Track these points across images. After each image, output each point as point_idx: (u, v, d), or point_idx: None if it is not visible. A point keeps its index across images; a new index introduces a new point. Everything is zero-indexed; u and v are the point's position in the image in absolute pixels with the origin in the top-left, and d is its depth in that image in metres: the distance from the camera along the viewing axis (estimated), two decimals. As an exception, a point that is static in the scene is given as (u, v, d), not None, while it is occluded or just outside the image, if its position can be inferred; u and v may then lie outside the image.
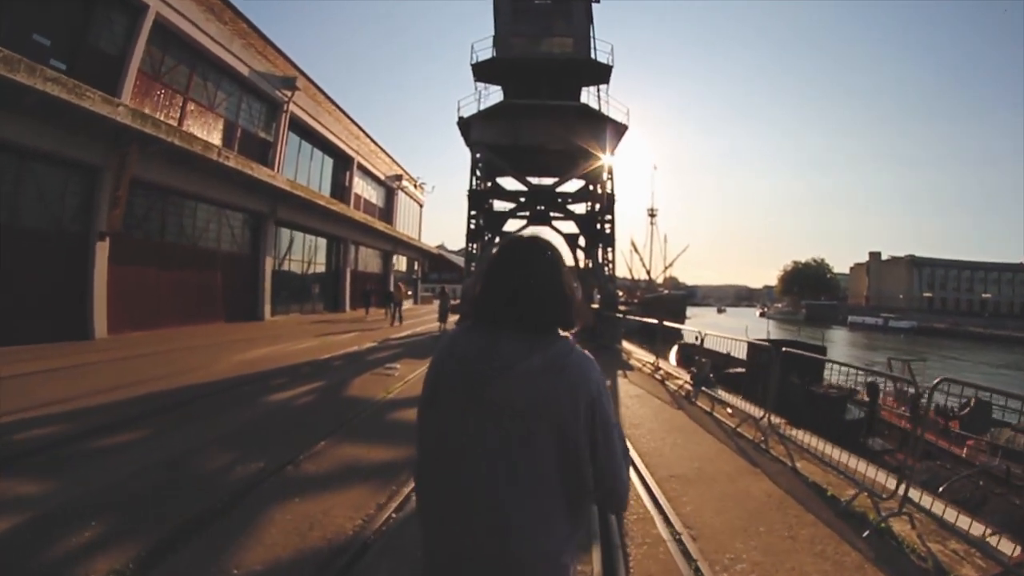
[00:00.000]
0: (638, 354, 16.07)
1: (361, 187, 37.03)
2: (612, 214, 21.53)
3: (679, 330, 18.77)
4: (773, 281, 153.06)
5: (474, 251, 21.64)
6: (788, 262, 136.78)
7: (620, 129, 21.68)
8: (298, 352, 13.74)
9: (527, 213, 24.11)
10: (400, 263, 46.29)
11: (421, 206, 51.19)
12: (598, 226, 21.85)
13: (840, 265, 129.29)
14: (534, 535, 1.47)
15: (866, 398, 13.11)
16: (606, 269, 21.02)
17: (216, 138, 20.63)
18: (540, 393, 1.48)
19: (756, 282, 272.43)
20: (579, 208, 23.83)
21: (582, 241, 25.08)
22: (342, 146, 32.54)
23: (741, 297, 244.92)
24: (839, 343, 56.98)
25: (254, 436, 6.54)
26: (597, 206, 22.58)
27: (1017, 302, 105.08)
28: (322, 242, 31.86)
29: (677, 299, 61.26)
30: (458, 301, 19.72)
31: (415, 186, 48.20)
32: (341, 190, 33.77)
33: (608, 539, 4.09)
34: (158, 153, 15.76)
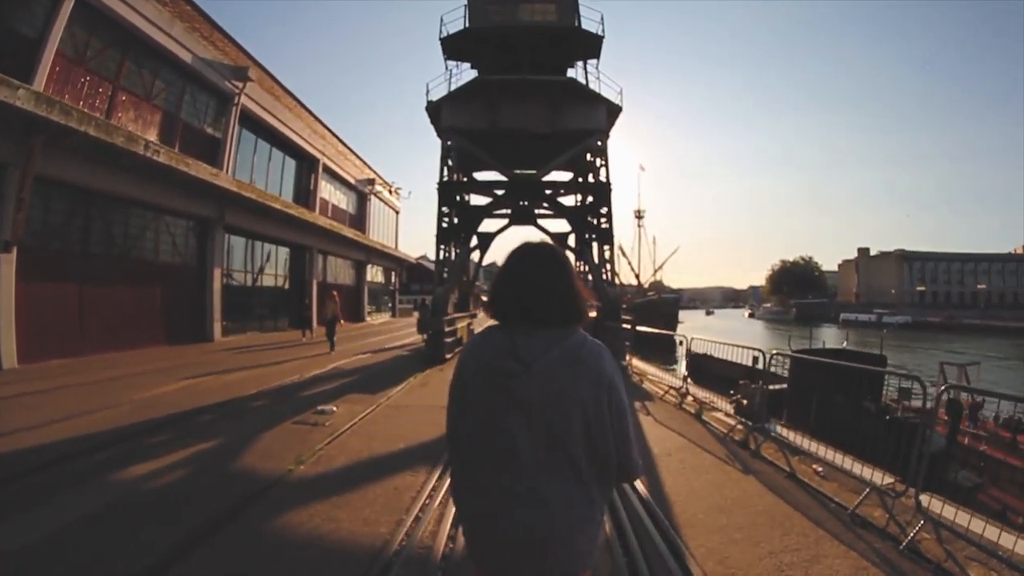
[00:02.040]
0: (652, 374, 13.16)
1: (328, 191, 34.19)
2: (609, 205, 18.41)
3: (684, 339, 15.92)
4: (758, 282, 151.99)
5: (446, 254, 18.56)
6: (776, 261, 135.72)
7: (614, 110, 18.71)
8: (219, 386, 10.80)
9: (508, 210, 21.04)
10: (375, 274, 43.11)
11: (397, 213, 48.23)
12: (592, 220, 18.76)
13: (827, 263, 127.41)
14: (569, 513, 1.69)
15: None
16: (605, 271, 17.96)
17: (153, 133, 17.91)
18: (562, 385, 1.69)
19: (741, 283, 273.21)
20: (569, 201, 20.77)
21: (572, 241, 22.13)
22: (305, 146, 29.75)
23: (727, 299, 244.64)
24: (835, 342, 54.62)
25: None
26: (590, 198, 19.58)
27: (1009, 292, 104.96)
28: (284, 251, 28.85)
29: (669, 303, 58.38)
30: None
31: (390, 191, 45.20)
32: (306, 194, 30.96)
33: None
34: (76, 148, 13.63)
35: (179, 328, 19.19)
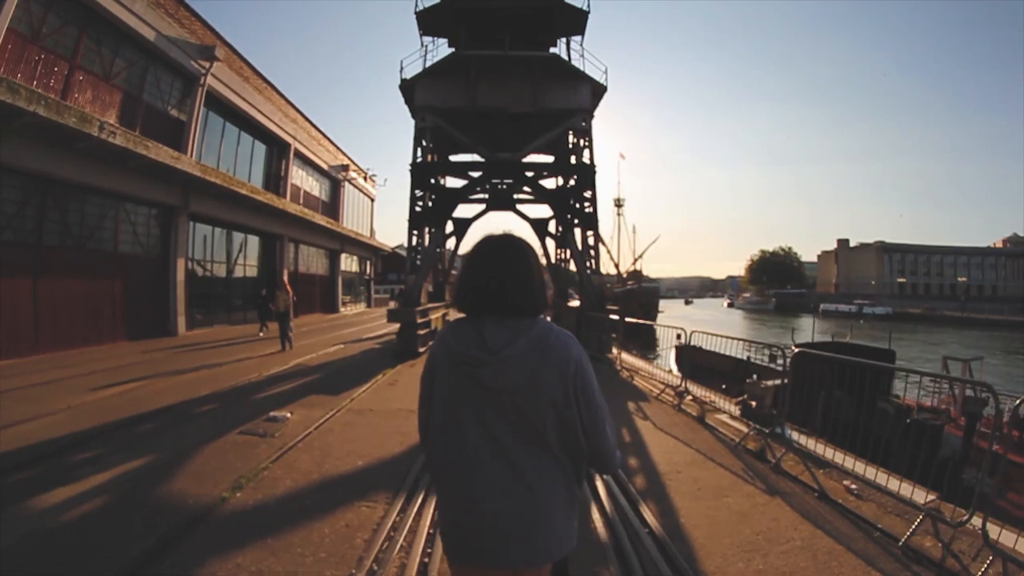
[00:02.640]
0: (642, 369, 12.19)
1: (300, 178, 32.87)
2: (593, 189, 17.15)
3: (683, 332, 15.02)
4: (736, 271, 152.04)
5: (419, 240, 17.29)
6: (755, 251, 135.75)
7: (598, 90, 17.54)
8: (169, 388, 9.65)
9: (485, 195, 19.89)
10: (350, 263, 41.78)
11: (372, 200, 46.81)
12: (575, 204, 17.64)
13: (805, 255, 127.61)
14: (548, 499, 1.73)
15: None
16: (588, 258, 16.82)
17: (112, 115, 16.63)
18: (530, 373, 1.71)
19: (718, 273, 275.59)
20: (551, 185, 19.58)
21: (553, 227, 21.04)
22: (276, 130, 28.36)
23: (705, 288, 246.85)
24: (817, 333, 54.28)
25: None
26: (573, 180, 18.34)
27: (988, 285, 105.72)
28: (254, 240, 27.44)
29: (649, 292, 57.44)
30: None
31: (365, 178, 43.76)
32: (276, 180, 29.63)
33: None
34: (26, 130, 12.59)
35: (141, 323, 17.99)
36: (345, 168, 38.81)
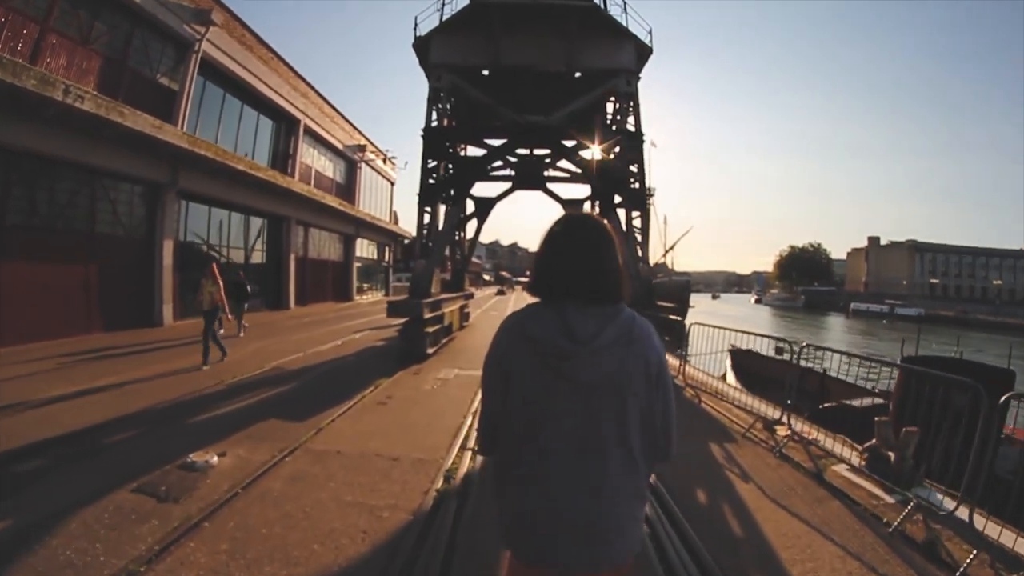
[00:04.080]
0: (707, 385, 9.57)
1: (312, 157, 30.72)
2: (640, 161, 14.35)
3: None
4: (761, 267, 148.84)
5: (432, 218, 14.71)
6: (784, 247, 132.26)
7: (643, 51, 14.91)
8: (98, 402, 7.43)
9: (510, 171, 17.30)
10: (367, 249, 39.58)
11: (392, 184, 44.42)
12: (619, 180, 14.75)
13: (831, 251, 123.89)
14: (624, 500, 1.67)
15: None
16: (636, 244, 14.20)
17: (90, 82, 14.68)
18: (616, 366, 1.62)
19: (744, 268, 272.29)
20: (589, 155, 16.11)
21: (588, 209, 18.41)
22: (283, 104, 26.14)
23: (731, 283, 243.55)
24: (852, 334, 52.05)
25: None
26: (615, 151, 15.45)
27: (1020, 289, 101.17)
28: (257, 222, 25.29)
29: (682, 286, 54.47)
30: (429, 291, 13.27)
31: (384, 160, 41.41)
32: (284, 158, 27.43)
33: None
34: None
35: (120, 312, 15.96)
36: (362, 148, 36.55)
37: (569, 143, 14.94)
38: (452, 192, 14.58)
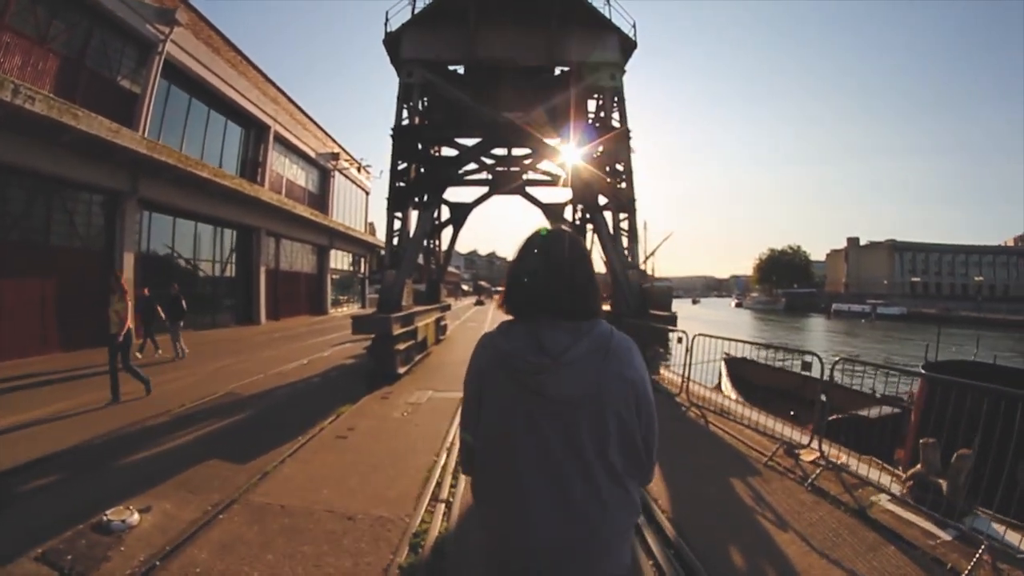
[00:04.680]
0: (712, 403, 8.59)
1: (283, 165, 29.55)
2: (627, 160, 13.23)
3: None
4: (739, 271, 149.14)
5: (401, 226, 13.40)
6: (763, 250, 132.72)
7: (628, 45, 13.95)
8: (37, 435, 6.47)
9: (486, 175, 16.26)
10: (342, 261, 38.39)
11: (367, 193, 43.21)
12: (605, 179, 13.77)
13: (812, 253, 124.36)
14: (609, 519, 1.58)
15: None
16: (625, 248, 13.13)
17: (46, 83, 13.87)
18: (591, 381, 1.56)
19: (722, 273, 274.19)
20: (571, 154, 14.84)
21: (571, 214, 17.36)
22: (253, 110, 25.03)
23: (710, 288, 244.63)
24: (835, 335, 51.68)
25: None
26: (599, 150, 14.20)
27: (1000, 285, 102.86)
28: (227, 234, 24.14)
29: (663, 292, 53.74)
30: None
31: (358, 168, 40.18)
32: (253, 167, 26.26)
33: None
34: None
35: (79, 329, 14.81)
36: (335, 156, 35.36)
37: (550, 141, 13.89)
38: (425, 196, 13.28)
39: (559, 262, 1.66)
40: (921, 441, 5.10)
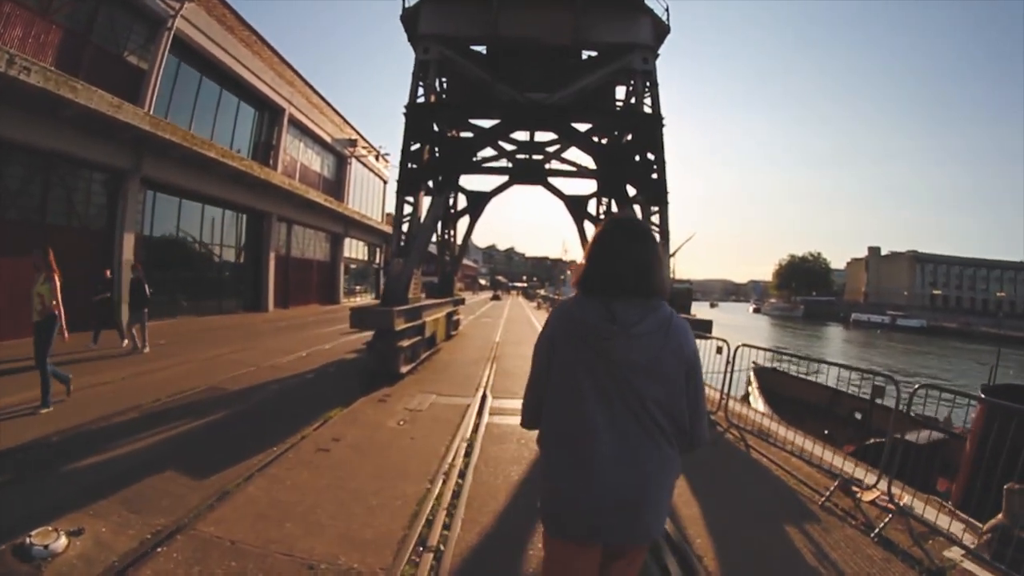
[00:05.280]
0: (750, 421, 7.53)
1: (297, 149, 28.95)
2: (660, 149, 11.98)
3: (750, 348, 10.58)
4: (758, 276, 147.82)
5: (412, 209, 12.26)
6: (784, 256, 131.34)
7: (661, 29, 12.87)
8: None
9: (506, 162, 15.43)
10: (356, 250, 37.65)
11: (385, 182, 42.50)
12: (636, 169, 12.53)
13: (832, 261, 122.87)
14: (657, 476, 1.80)
15: None
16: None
17: (48, 57, 13.45)
18: (653, 353, 1.79)
19: (740, 277, 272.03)
20: (599, 143, 14.25)
21: (595, 207, 16.37)
22: (267, 91, 24.38)
23: (728, 292, 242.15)
24: (852, 346, 51.20)
25: None
26: (630, 137, 13.11)
27: (1020, 301, 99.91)
28: (233, 217, 23.50)
29: (683, 293, 52.72)
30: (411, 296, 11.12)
31: (377, 156, 39.44)
32: (266, 150, 25.63)
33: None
34: None
35: (73, 313, 13.95)
36: (352, 143, 34.67)
37: (577, 126, 12.85)
38: (440, 179, 12.39)
39: (633, 248, 1.87)
40: (1006, 487, 4.20)
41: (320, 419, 6.68)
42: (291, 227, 27.87)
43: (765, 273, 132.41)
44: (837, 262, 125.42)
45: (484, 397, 8.35)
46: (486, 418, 7.16)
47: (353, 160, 35.38)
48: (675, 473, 1.86)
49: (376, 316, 9.47)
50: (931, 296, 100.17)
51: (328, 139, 31.88)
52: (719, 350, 7.63)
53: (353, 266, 36.39)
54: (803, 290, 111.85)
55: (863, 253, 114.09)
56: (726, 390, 7.55)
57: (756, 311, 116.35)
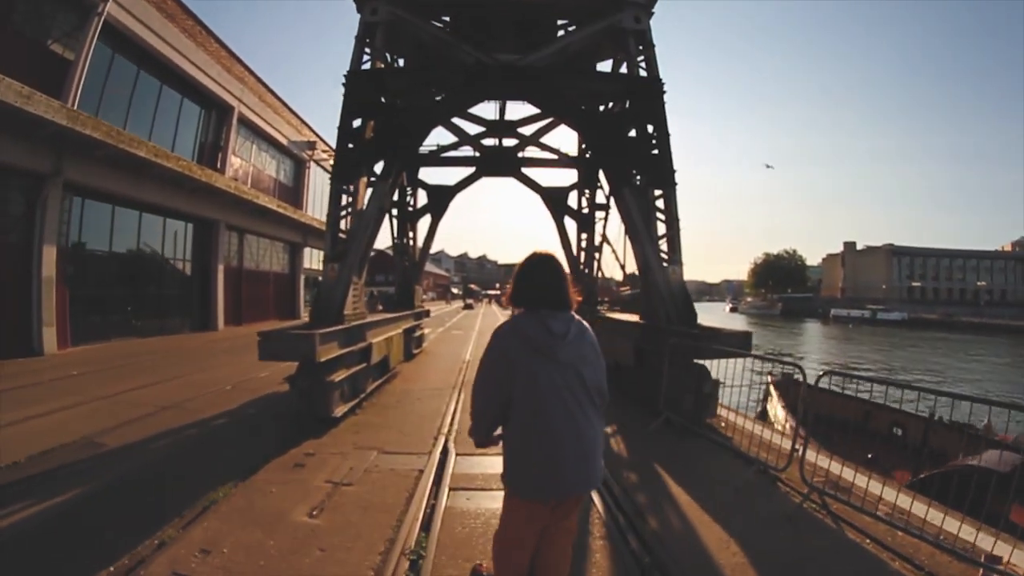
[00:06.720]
0: (820, 470, 5.27)
1: (249, 151, 26.65)
2: (662, 122, 9.32)
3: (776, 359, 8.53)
4: (731, 275, 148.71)
5: (350, 197, 9.37)
6: (758, 254, 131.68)
7: (651, -12, 10.72)
8: None
9: (472, 151, 13.33)
10: (317, 260, 35.23)
11: (349, 188, 39.90)
12: (631, 143, 9.85)
13: (806, 258, 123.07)
14: (594, 435, 2.48)
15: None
16: (660, 237, 9.32)
17: None
18: (581, 351, 2.51)
19: (712, 277, 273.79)
20: (586, 114, 11.18)
21: (575, 200, 14.15)
22: (214, 87, 22.26)
23: (701, 292, 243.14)
24: (831, 341, 50.77)
25: None
26: (625, 103, 10.25)
27: (998, 290, 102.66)
28: (177, 227, 21.09)
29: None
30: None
31: (339, 160, 36.94)
32: (213, 151, 23.36)
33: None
34: None
35: None
36: (312, 146, 32.20)
37: (558, 81, 10.10)
38: (386, 160, 9.56)
39: (554, 273, 2.61)
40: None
41: (195, 508, 4.31)
42: (243, 236, 25.56)
43: (738, 272, 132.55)
44: (811, 259, 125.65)
45: (445, 452, 5.99)
46: (445, 495, 4.78)
47: (312, 164, 33.01)
48: (601, 432, 2.58)
49: (292, 343, 6.77)
50: (909, 288, 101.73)
51: (284, 141, 29.57)
52: (798, 379, 5.51)
53: (313, 277, 34.04)
54: (779, 288, 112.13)
55: (838, 249, 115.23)
56: (801, 432, 5.42)
57: (733, 310, 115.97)
